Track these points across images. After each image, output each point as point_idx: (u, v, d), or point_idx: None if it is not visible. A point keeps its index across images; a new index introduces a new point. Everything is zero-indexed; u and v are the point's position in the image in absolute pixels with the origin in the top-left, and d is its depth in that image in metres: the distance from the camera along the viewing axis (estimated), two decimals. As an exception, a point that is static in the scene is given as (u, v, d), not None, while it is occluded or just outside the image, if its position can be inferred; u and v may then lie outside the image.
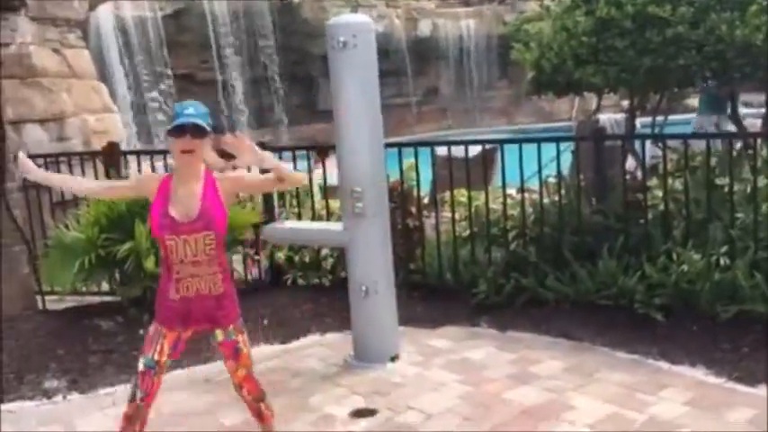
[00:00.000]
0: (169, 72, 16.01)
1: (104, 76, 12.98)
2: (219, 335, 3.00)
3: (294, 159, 5.61)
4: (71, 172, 6.04)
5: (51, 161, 6.05)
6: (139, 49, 15.33)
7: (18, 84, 6.53)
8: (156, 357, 2.96)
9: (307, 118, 18.42)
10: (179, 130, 2.78)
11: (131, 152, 6.16)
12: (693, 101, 12.32)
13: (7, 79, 6.25)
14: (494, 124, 20.62)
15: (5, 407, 4.05)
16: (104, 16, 14.06)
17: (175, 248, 2.84)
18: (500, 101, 21.69)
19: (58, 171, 6.11)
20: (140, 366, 2.99)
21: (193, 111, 2.81)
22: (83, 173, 5.98)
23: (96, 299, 5.42)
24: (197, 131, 2.78)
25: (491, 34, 20.79)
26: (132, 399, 3.00)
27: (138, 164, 5.81)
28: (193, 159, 2.84)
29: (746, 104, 8.75)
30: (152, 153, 5.84)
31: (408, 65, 20.30)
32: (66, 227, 5.08)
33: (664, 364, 4.06)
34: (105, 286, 5.43)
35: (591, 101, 12.92)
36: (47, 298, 5.49)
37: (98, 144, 6.41)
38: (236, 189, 3.08)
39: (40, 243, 5.67)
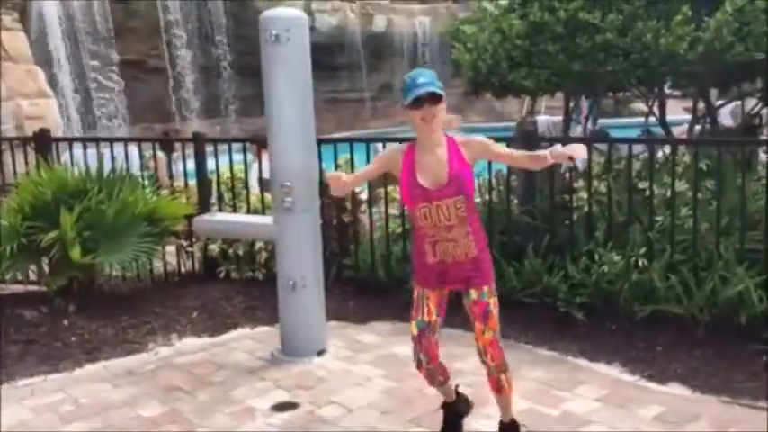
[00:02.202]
0: (116, 58, 15.66)
1: (47, 61, 12.65)
2: (473, 293, 3.00)
3: (230, 151, 5.59)
4: (1, 158, 5.91)
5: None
6: (85, 34, 14.96)
7: (-52, 65, 6.36)
8: (425, 318, 3.03)
9: (258, 109, 18.19)
10: (417, 102, 2.80)
11: (64, 139, 6.03)
12: (640, 105, 12.66)
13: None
14: (445, 122, 20.76)
15: None
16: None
17: (429, 215, 2.90)
18: (453, 99, 21.51)
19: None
20: (414, 330, 3.06)
21: (425, 80, 2.83)
22: (13, 159, 5.86)
23: (21, 288, 5.32)
24: (434, 99, 2.81)
25: (445, 32, 20.91)
26: (419, 365, 3.08)
27: (71, 152, 5.69)
28: (433, 127, 2.86)
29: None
30: (84, 140, 5.74)
31: (363, 60, 20.31)
32: (-10, 213, 4.95)
33: (582, 362, 4.17)
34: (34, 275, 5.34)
35: (541, 101, 13.16)
36: (-31, 286, 5.35)
37: (32, 129, 6.26)
38: (482, 154, 3.03)
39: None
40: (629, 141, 4.87)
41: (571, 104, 6.00)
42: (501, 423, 3.30)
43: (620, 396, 3.74)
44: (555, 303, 4.57)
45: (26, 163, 5.63)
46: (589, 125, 5.99)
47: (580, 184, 4.99)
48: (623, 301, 4.39)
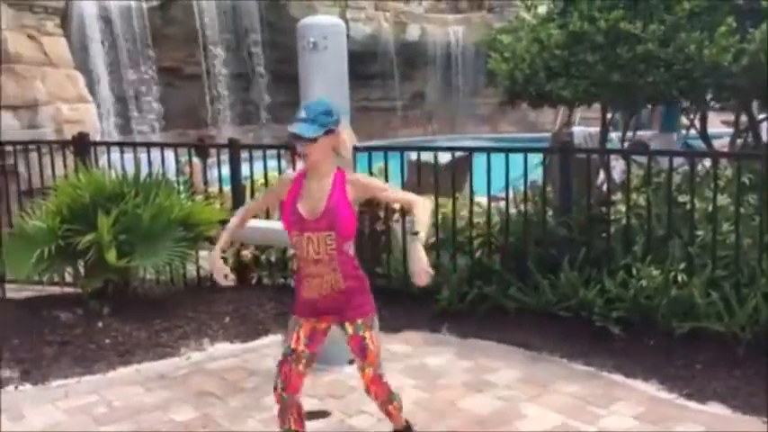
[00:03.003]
0: (153, 64, 15.90)
1: (86, 66, 12.88)
2: (348, 328, 2.95)
3: (265, 157, 5.62)
4: (40, 161, 6.01)
5: (20, 149, 6.03)
6: (123, 40, 15.21)
7: (-9, 69, 6.49)
8: (292, 345, 2.96)
9: (292, 115, 18.35)
10: (292, 135, 2.79)
11: (102, 143, 6.11)
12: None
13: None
14: (477, 132, 20.70)
15: (-45, 395, 4.01)
16: (88, 5, 13.93)
17: (299, 245, 2.85)
18: (485, 109, 21.75)
19: (27, 158, 6.08)
20: (281, 355, 3.00)
21: (304, 114, 2.80)
22: (52, 162, 5.95)
23: (58, 289, 5.38)
24: (304, 138, 2.77)
25: (480, 42, 20.83)
26: (275, 389, 2.99)
27: (108, 156, 5.77)
28: (314, 160, 2.82)
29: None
30: (122, 144, 5.80)
31: (395, 68, 20.34)
32: (29, 215, 5.03)
33: (618, 378, 4.09)
34: (70, 277, 5.40)
35: (576, 112, 13.06)
36: (7, 286, 5.43)
37: (71, 134, 6.37)
38: (366, 195, 3.04)
39: (5, 231, 5.61)
40: (670, 154, 4.77)
41: (608, 116, 5.90)
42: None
43: (657, 414, 3.65)
44: (591, 317, 4.48)
45: (65, 166, 5.71)
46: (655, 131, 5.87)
47: (618, 196, 4.91)
48: (661, 316, 4.29)
